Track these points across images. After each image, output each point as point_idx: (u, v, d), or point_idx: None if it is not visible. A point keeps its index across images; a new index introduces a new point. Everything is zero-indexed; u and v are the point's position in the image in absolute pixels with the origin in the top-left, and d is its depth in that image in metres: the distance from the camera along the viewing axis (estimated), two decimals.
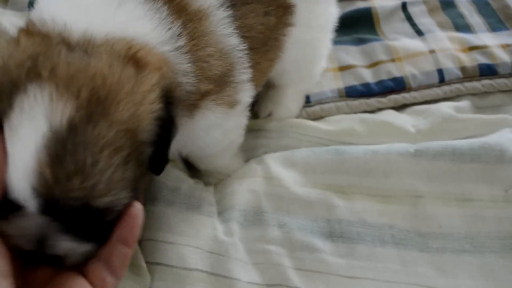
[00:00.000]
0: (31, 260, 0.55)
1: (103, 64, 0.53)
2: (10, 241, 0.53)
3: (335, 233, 0.81)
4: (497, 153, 0.86)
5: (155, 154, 0.57)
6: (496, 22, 1.17)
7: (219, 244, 0.78)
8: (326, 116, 1.00)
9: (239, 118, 0.80)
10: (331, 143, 0.92)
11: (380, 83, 1.05)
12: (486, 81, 1.06)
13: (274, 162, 0.87)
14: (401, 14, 1.19)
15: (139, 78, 0.54)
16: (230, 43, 0.69)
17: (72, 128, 0.49)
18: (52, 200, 0.50)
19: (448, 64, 1.07)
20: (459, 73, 1.06)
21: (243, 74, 0.73)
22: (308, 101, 1.02)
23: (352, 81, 1.05)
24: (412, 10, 1.20)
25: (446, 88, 1.05)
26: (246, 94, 0.76)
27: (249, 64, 0.73)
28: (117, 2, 0.60)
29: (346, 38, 1.11)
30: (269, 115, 0.98)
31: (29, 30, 0.57)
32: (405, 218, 0.83)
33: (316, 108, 1.01)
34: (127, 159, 0.52)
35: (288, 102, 0.99)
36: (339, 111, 1.00)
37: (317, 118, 1.00)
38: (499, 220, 0.82)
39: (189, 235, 0.78)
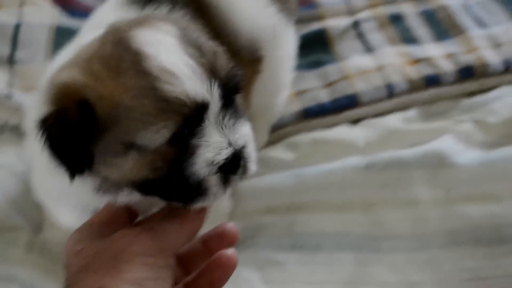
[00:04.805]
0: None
1: None
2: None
3: (297, 244, 0.90)
4: (438, 159, 0.96)
5: None
6: (441, 32, 1.24)
7: None
8: (286, 138, 1.07)
9: None
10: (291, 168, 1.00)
11: (334, 101, 1.12)
12: (432, 91, 1.14)
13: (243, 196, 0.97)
14: (353, 32, 1.25)
15: None
16: None
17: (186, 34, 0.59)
18: (224, 84, 0.56)
19: (395, 79, 1.14)
20: (406, 86, 1.14)
21: None
22: None
23: (309, 103, 1.12)
24: (363, 26, 1.25)
25: (395, 101, 1.13)
26: None
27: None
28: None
29: (302, 62, 1.16)
30: None
31: None
32: (359, 224, 0.92)
33: (276, 134, 1.08)
34: None
35: (258, 135, 1.05)
36: (297, 132, 1.08)
37: (277, 141, 1.08)
38: (441, 219, 0.91)
39: None
